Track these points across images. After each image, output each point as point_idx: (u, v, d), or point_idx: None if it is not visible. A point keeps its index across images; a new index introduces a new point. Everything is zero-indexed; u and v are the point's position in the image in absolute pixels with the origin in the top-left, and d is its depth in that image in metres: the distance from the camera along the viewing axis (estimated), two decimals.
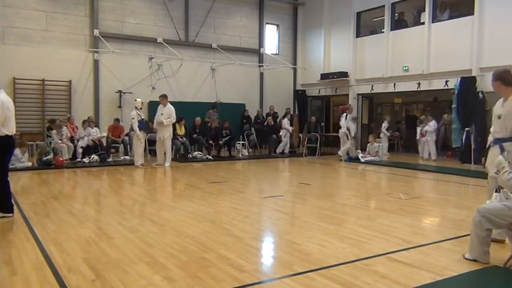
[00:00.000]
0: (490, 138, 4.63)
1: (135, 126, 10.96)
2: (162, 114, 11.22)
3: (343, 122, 13.23)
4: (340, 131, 13.23)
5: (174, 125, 12.66)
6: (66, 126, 11.69)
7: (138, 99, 11.42)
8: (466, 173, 10.32)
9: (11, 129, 5.37)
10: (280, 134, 14.79)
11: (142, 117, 11.16)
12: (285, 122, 14.91)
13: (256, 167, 11.77)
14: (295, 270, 3.62)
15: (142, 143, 11.17)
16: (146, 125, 11.22)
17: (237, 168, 11.83)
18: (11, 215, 5.51)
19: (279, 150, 14.66)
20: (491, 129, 4.53)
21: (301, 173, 11.05)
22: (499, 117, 4.34)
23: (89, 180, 9.08)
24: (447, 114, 14.30)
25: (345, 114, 13.31)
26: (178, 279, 3.40)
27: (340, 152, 13.29)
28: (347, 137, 13.03)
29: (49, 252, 4.02)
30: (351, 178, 10.18)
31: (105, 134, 12.48)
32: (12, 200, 6.57)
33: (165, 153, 11.39)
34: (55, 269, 3.59)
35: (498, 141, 4.35)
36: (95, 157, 11.55)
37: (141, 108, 11.20)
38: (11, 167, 9.91)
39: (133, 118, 11.03)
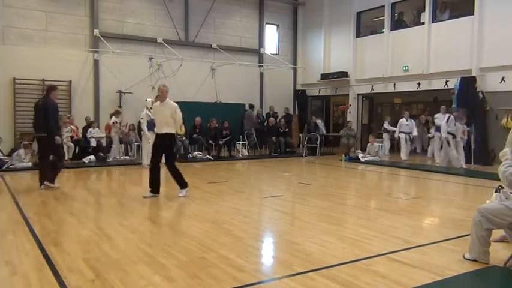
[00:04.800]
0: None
1: (144, 126, 10.94)
2: None
3: (444, 124, 11.15)
4: (441, 134, 11.34)
5: None
6: (70, 125, 11.83)
7: (148, 99, 11.22)
8: (466, 173, 10.32)
9: None
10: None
11: (152, 117, 11.02)
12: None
13: (256, 167, 11.77)
14: (295, 270, 3.62)
15: (150, 143, 11.09)
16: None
17: (237, 168, 11.83)
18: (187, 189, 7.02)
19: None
20: None
21: (301, 173, 11.05)
22: None
23: (89, 180, 9.08)
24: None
25: (447, 115, 11.32)
26: (178, 279, 3.39)
27: (438, 161, 11.72)
28: (448, 143, 11.14)
29: (49, 252, 4.02)
30: (351, 178, 10.18)
31: (103, 135, 12.44)
32: (13, 200, 6.61)
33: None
34: (55, 269, 3.58)
35: None
36: (92, 158, 11.56)
37: (151, 108, 11.08)
38: (11, 166, 9.99)
39: (142, 118, 11.01)
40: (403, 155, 13.18)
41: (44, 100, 7.72)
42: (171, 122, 6.75)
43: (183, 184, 7.01)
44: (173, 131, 6.85)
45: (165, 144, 6.83)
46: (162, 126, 6.76)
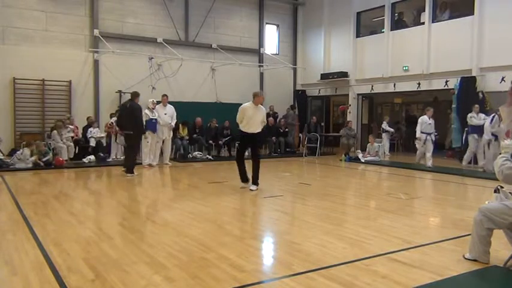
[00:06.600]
0: None
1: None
2: (165, 114, 11.23)
3: (487, 125, 10.20)
4: (483, 137, 10.41)
5: (177, 125, 12.63)
6: (71, 126, 11.86)
7: (150, 99, 11.34)
8: (466, 173, 10.32)
9: None
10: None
11: (152, 117, 11.01)
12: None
13: None
14: (295, 270, 3.62)
15: (149, 143, 11.09)
16: (155, 126, 11.12)
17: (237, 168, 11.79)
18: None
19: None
20: None
21: (301, 173, 11.05)
22: None
23: (89, 180, 9.08)
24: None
25: (491, 115, 10.24)
26: (178, 279, 3.40)
27: (483, 166, 10.52)
28: (488, 146, 10.19)
29: (49, 252, 4.02)
30: (351, 178, 10.18)
31: (104, 135, 12.45)
32: (13, 200, 6.61)
33: (161, 152, 11.55)
34: (55, 269, 3.59)
35: None
36: (92, 157, 11.56)
37: (153, 109, 11.11)
38: (11, 167, 9.99)
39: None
40: (429, 162, 11.02)
41: (131, 104, 9.52)
42: (261, 123, 7.91)
43: (257, 180, 7.77)
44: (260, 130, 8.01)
45: (257, 142, 8.01)
46: (257, 127, 7.80)
